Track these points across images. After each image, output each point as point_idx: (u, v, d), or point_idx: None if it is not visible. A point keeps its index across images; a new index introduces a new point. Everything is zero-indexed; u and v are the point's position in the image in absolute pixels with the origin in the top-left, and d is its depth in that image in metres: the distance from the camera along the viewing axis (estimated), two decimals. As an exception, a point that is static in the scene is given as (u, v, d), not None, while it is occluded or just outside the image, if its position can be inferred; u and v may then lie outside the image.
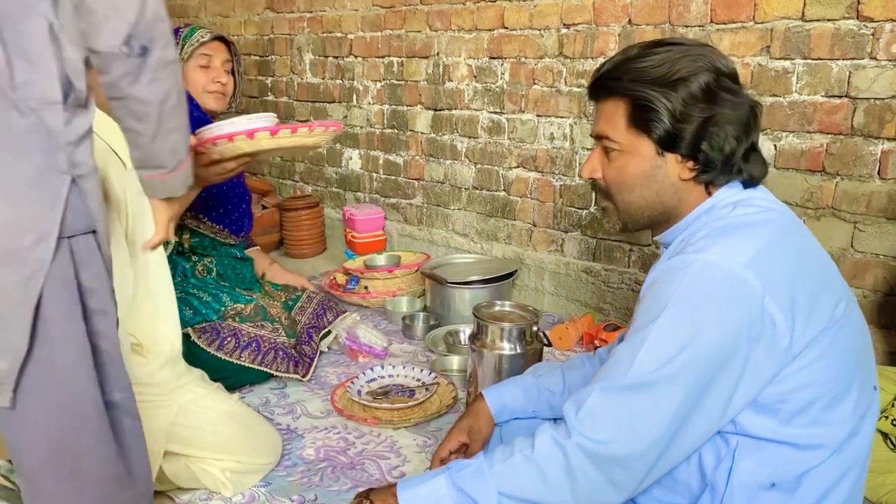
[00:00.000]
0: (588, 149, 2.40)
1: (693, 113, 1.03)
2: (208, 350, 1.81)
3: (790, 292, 0.97)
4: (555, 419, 1.14)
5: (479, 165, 2.77)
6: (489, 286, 2.41)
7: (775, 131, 1.99)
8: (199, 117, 1.99)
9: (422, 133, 2.97)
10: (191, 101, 1.99)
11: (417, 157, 3.02)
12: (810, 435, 0.99)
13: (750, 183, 1.09)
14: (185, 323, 1.86)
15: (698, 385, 0.95)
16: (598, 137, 1.11)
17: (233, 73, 2.09)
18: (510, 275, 2.49)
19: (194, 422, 1.44)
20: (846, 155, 1.88)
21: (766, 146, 1.99)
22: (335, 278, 2.78)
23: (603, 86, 1.10)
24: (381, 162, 3.20)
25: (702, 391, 0.95)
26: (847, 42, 1.83)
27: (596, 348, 2.25)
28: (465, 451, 1.31)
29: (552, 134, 2.50)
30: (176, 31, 1.99)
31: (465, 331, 2.32)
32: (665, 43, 1.09)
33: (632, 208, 1.12)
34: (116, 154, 1.30)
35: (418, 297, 2.63)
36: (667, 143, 1.05)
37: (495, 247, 2.76)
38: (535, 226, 2.62)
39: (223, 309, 1.95)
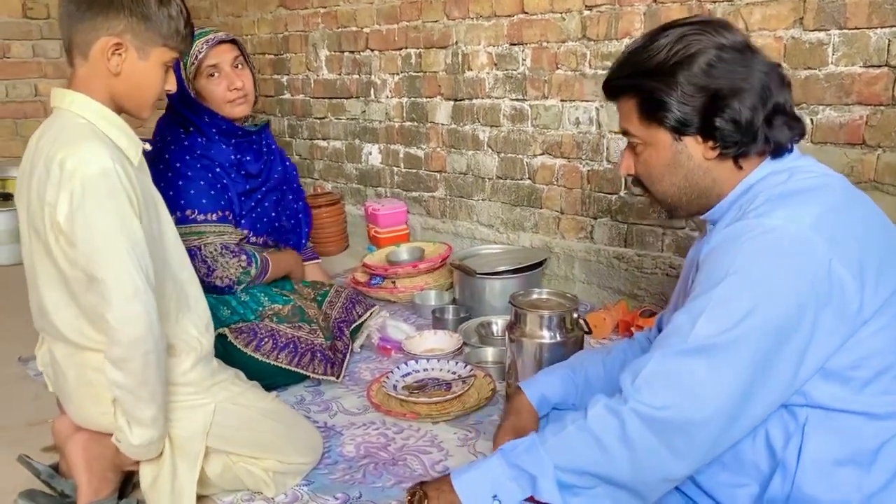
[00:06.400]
0: (614, 132, 2.36)
1: (695, 94, 1.03)
2: (245, 350, 1.78)
3: (858, 255, 0.94)
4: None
5: (502, 154, 2.73)
6: (519, 276, 2.36)
7: (811, 105, 1.94)
8: (227, 129, 1.95)
9: (442, 124, 2.93)
10: (214, 116, 1.92)
11: (438, 149, 2.98)
12: (885, 403, 0.96)
13: (779, 151, 1.06)
14: (221, 322, 1.84)
15: (764, 351, 0.92)
16: (623, 134, 1.15)
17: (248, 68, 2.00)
18: (540, 263, 2.44)
19: (233, 421, 1.41)
20: (888, 126, 1.82)
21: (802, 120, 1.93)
22: (355, 277, 2.73)
23: (611, 87, 1.15)
24: (401, 155, 3.16)
25: (768, 358, 0.92)
26: (885, 9, 1.77)
27: (633, 335, 2.20)
28: None
29: (578, 119, 2.45)
30: None
31: (498, 322, 2.28)
32: (669, 27, 1.08)
33: (667, 197, 1.14)
34: (123, 152, 1.28)
35: (446, 290, 2.59)
36: (679, 128, 1.06)
37: (522, 236, 2.72)
38: (563, 213, 2.57)
39: (261, 309, 1.92)
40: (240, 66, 1.95)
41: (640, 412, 0.92)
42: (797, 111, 1.09)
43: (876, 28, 1.80)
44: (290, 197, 2.21)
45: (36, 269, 1.30)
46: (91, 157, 1.17)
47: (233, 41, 1.95)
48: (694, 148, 1.08)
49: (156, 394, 1.25)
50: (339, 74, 3.34)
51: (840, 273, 0.92)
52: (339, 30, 3.26)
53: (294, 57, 3.55)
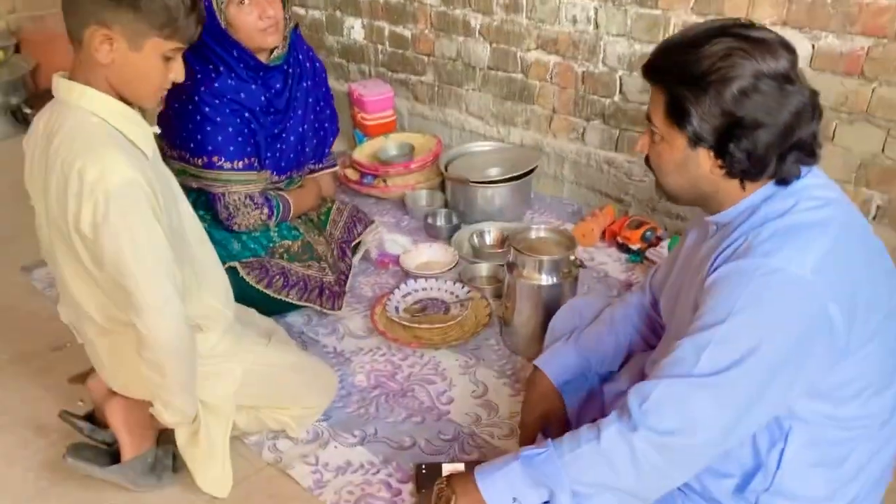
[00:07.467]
0: (615, 35, 2.29)
1: (718, 116, 1.05)
2: (257, 287, 1.86)
3: (852, 298, 1.04)
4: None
5: (494, 45, 2.64)
6: (513, 184, 2.41)
7: (814, 30, 1.91)
8: (255, 65, 1.85)
9: (430, 5, 2.79)
10: (243, 52, 1.82)
11: (427, 31, 2.86)
12: (859, 417, 1.10)
13: (784, 181, 1.11)
14: (233, 257, 1.91)
15: (761, 384, 1.04)
16: (647, 119, 1.16)
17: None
18: (532, 170, 2.47)
19: (259, 380, 1.52)
20: (888, 60, 1.82)
21: (803, 45, 1.90)
22: (346, 174, 2.75)
23: (649, 72, 1.14)
24: (386, 34, 3.03)
25: (763, 388, 1.04)
26: (905, -63, 1.70)
27: (619, 244, 2.31)
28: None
29: (575, 17, 2.37)
30: None
31: (490, 231, 2.37)
32: (724, 34, 1.06)
33: (670, 189, 1.20)
34: (135, 144, 1.27)
35: (438, 191, 2.63)
36: (695, 140, 1.09)
37: (513, 132, 2.72)
38: (556, 112, 2.56)
39: (272, 245, 1.97)
40: None
41: (649, 439, 1.05)
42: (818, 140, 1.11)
43: (892, -43, 1.74)
44: (318, 107, 2.14)
45: (57, 257, 1.33)
46: (112, 167, 1.17)
47: None
48: (704, 159, 1.11)
49: (185, 384, 1.35)
50: (316, -64, 3.10)
51: (834, 315, 1.02)
52: None
53: (264, -89, 3.25)
